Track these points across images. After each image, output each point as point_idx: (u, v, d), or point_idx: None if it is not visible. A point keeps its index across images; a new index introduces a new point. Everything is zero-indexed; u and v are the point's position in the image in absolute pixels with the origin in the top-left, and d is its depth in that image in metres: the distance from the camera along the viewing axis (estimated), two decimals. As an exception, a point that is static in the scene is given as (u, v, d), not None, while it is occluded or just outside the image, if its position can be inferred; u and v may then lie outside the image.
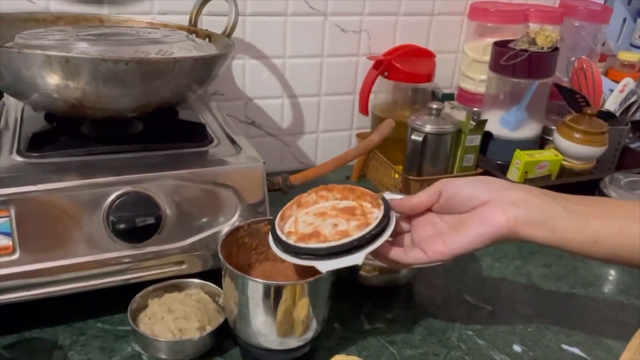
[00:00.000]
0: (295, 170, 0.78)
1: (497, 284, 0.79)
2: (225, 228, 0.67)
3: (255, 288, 0.56)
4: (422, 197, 0.62)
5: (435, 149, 0.94)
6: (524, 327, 0.70)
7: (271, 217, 0.62)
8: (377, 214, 0.61)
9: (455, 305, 0.74)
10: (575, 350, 0.67)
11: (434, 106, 0.94)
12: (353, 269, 0.73)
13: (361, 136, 1.11)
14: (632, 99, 1.06)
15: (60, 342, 0.63)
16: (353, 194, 0.64)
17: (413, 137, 0.93)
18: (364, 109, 1.02)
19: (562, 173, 0.98)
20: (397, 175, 0.98)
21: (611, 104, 1.07)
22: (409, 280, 0.77)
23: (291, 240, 0.56)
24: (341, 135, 1.12)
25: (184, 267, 0.67)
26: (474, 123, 0.96)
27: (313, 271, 0.56)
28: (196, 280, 0.68)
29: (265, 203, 0.70)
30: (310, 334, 0.59)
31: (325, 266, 0.55)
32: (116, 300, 0.65)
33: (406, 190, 0.96)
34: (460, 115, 0.99)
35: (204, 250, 0.68)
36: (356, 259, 0.56)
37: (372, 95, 1.05)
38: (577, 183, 0.96)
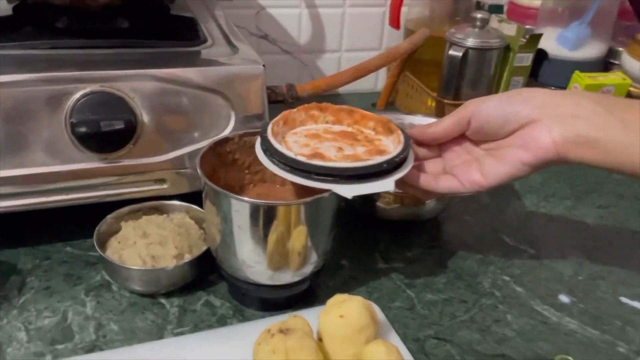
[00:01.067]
0: (316, 96, 0.66)
1: (543, 225, 0.66)
2: (215, 142, 0.56)
3: (240, 208, 0.45)
4: (446, 125, 0.50)
5: (477, 68, 0.80)
6: (573, 274, 0.58)
7: (266, 122, 0.50)
8: (388, 141, 0.49)
9: (491, 247, 0.62)
10: (637, 304, 0.54)
11: (479, 16, 0.78)
12: (369, 199, 0.61)
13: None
14: None
15: (19, 265, 0.54)
16: (350, 118, 0.53)
17: (451, 52, 0.79)
18: (395, 21, 0.87)
19: (628, 101, 0.82)
20: (433, 103, 0.84)
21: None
22: (436, 215, 0.65)
23: (301, 157, 0.45)
24: (368, 55, 0.97)
25: (165, 186, 0.57)
26: (524, 39, 0.81)
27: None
28: (181, 203, 0.58)
29: (264, 115, 0.58)
30: (308, 269, 0.49)
31: (349, 191, 0.44)
32: (92, 223, 0.55)
33: (440, 117, 0.82)
34: (510, 29, 0.83)
35: (189, 166, 0.57)
36: (387, 184, 0.45)
37: (405, 8, 0.90)
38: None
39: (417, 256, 0.59)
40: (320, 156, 0.47)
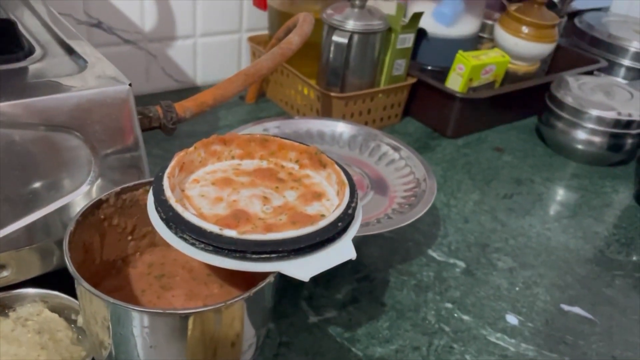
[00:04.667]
0: (171, 93, 0.51)
1: (461, 228, 0.61)
2: (74, 202, 0.40)
3: (146, 322, 0.31)
4: None
5: (361, 54, 0.71)
6: (509, 286, 0.54)
7: (159, 175, 0.35)
8: (319, 177, 0.39)
9: (421, 266, 0.55)
10: (578, 310, 0.52)
11: (357, -6, 0.69)
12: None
13: (255, 40, 0.83)
14: (569, -14, 0.90)
15: None
16: (264, 149, 0.41)
17: (335, 38, 0.69)
18: (261, 0, 0.74)
19: (505, 78, 0.81)
20: (311, 92, 0.74)
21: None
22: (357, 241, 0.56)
23: (228, 231, 0.31)
24: (228, 40, 0.83)
25: (5, 273, 0.39)
26: (405, 19, 0.74)
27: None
28: (33, 290, 0.41)
29: (139, 151, 0.43)
30: (243, 365, 0.37)
31: (306, 271, 0.32)
32: None
33: (326, 111, 0.72)
34: (389, 7, 0.76)
35: (40, 239, 0.40)
36: (348, 251, 0.34)
37: (268, -16, 0.77)
38: (523, 90, 0.80)
39: (349, 297, 0.50)
40: (245, 216, 0.35)
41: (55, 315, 0.40)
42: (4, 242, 0.38)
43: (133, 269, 0.40)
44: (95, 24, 0.71)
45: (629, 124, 0.72)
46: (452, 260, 0.56)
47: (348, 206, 0.35)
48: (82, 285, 0.30)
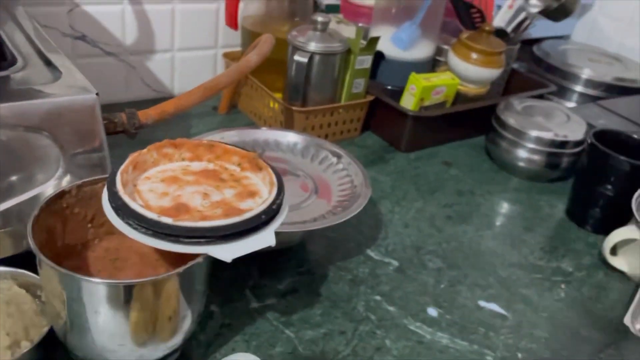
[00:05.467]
0: (149, 102, 0.58)
1: (400, 232, 0.68)
2: (44, 193, 0.46)
3: (96, 292, 0.37)
4: None
5: (322, 73, 0.78)
6: (435, 283, 0.60)
7: (114, 171, 0.42)
8: (256, 178, 0.45)
9: (359, 264, 0.61)
10: (494, 307, 0.58)
11: (319, 19, 0.76)
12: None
13: (229, 56, 0.90)
14: (521, 17, 0.98)
15: None
16: (210, 153, 0.47)
17: (297, 57, 0.76)
18: (232, 21, 0.81)
19: (456, 99, 0.88)
20: (276, 105, 0.81)
21: (500, 21, 0.98)
22: (302, 239, 0.63)
23: (165, 218, 0.38)
24: (204, 55, 0.90)
25: (-19, 253, 0.45)
26: (364, 42, 0.81)
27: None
28: (4, 269, 0.47)
29: (103, 152, 0.50)
30: (180, 338, 0.43)
31: (228, 253, 0.38)
32: None
33: (289, 123, 0.79)
34: (349, 31, 0.83)
35: (13, 224, 0.46)
36: (267, 239, 0.41)
37: (241, 4, 0.84)
38: (472, 110, 0.87)
39: (290, 287, 0.57)
40: (185, 208, 0.41)
41: (23, 291, 0.46)
42: (-20, 225, 0.44)
43: (92, 253, 0.46)
44: (80, 36, 0.78)
45: (564, 144, 0.79)
46: (387, 260, 0.63)
47: (273, 202, 0.42)
48: (41, 259, 0.37)
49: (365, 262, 0.62)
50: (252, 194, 0.44)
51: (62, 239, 0.44)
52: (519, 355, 0.53)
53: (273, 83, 0.83)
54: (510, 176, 0.84)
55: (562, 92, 1.07)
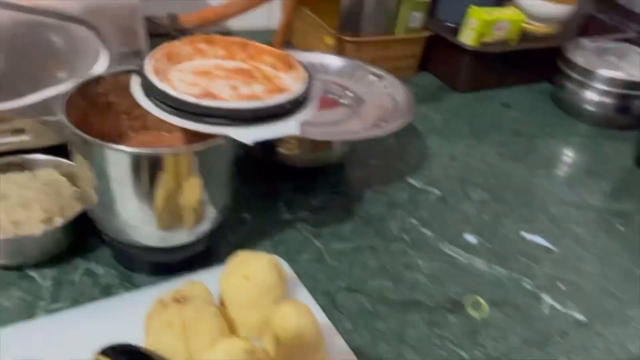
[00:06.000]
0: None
1: (446, 165, 0.65)
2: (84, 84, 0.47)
3: (118, 161, 0.38)
4: None
5: (376, 2, 0.76)
6: (477, 214, 0.58)
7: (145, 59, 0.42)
8: (289, 78, 0.44)
9: (397, 190, 0.59)
10: (538, 239, 0.55)
11: (377, -55, 0.73)
12: (269, 145, 0.56)
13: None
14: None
15: None
16: (244, 52, 0.47)
17: (350, -16, 0.73)
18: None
19: (523, 39, 0.83)
20: (329, 39, 0.79)
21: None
22: (341, 160, 0.62)
23: (188, 97, 0.38)
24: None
25: (25, 137, 0.48)
26: (424, -29, 0.77)
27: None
28: (48, 157, 0.49)
29: (144, 52, 0.50)
30: (206, 226, 0.43)
31: (249, 135, 0.38)
32: None
33: (340, 54, 0.77)
34: (409, -39, 0.79)
35: (54, 114, 0.48)
36: (291, 127, 0.40)
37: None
38: (539, 51, 0.82)
39: (323, 204, 0.56)
40: (212, 96, 0.41)
41: (64, 179, 0.48)
42: (25, 110, 0.46)
43: (126, 144, 0.47)
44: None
45: (637, 85, 0.73)
46: (429, 188, 0.60)
47: (299, 94, 0.41)
48: (73, 130, 0.38)
49: (405, 189, 0.60)
50: (282, 90, 0.43)
51: (98, 126, 0.45)
52: (560, 286, 0.49)
53: (327, 20, 0.81)
54: (577, 122, 0.78)
55: (645, 42, 0.97)
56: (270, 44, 0.88)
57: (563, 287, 0.49)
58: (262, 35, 0.87)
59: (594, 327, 0.46)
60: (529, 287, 0.49)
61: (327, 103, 0.61)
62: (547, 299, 0.48)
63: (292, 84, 0.44)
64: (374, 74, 0.63)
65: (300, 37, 0.87)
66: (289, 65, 0.45)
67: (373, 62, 0.79)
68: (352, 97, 0.62)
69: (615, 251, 0.55)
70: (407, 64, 0.83)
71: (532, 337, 0.44)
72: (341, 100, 0.61)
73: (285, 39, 0.88)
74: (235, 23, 0.90)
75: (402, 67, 0.83)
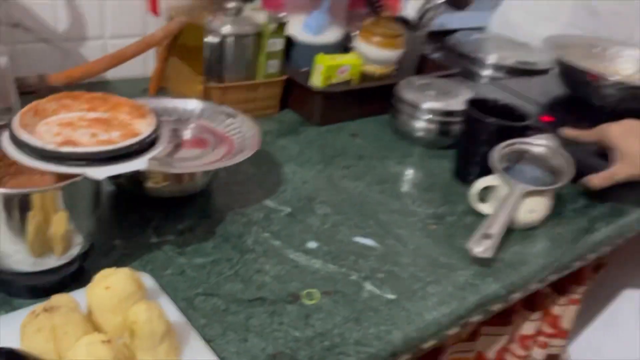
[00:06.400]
0: (82, 86, 0.66)
1: (298, 187, 0.77)
2: (-40, 137, 0.54)
3: (-9, 201, 0.45)
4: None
5: (235, 54, 0.88)
6: (320, 224, 0.70)
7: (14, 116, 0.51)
8: (142, 124, 0.54)
9: (255, 211, 0.70)
10: (367, 241, 0.68)
11: (231, 5, 0.86)
12: (138, 180, 0.65)
13: (160, 44, 0.99)
14: (428, 6, 1.09)
15: None
16: (105, 105, 0.56)
17: (208, 39, 0.85)
18: (153, 8, 0.90)
19: (364, 79, 0.98)
20: (198, 85, 0.90)
21: (411, 11, 1.09)
22: (204, 189, 0.72)
23: (50, 145, 0.47)
24: (134, 41, 0.99)
25: None
26: (274, 25, 0.91)
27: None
28: None
29: (15, 108, 0.58)
30: (74, 250, 0.51)
31: (101, 173, 0.47)
32: None
33: (208, 99, 0.88)
34: (261, 17, 0.93)
35: None
36: (139, 164, 0.49)
37: (167, -4, 0.93)
38: (379, 88, 0.97)
39: (189, 227, 0.65)
40: (73, 143, 0.50)
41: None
42: None
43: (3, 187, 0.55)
44: (15, 24, 0.86)
45: (451, 113, 0.90)
46: (281, 207, 0.72)
47: (146, 137, 0.51)
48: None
49: (261, 209, 0.71)
50: (135, 134, 0.53)
51: (-24, 173, 0.53)
52: (379, 275, 0.62)
53: (198, 68, 0.92)
54: (411, 146, 0.94)
55: (471, 76, 1.18)
56: (146, 90, 0.98)
57: (382, 276, 0.62)
58: (140, 82, 0.97)
59: (400, 303, 0.59)
60: (354, 278, 0.61)
61: (192, 142, 0.72)
62: (367, 286, 0.60)
63: (144, 129, 0.54)
64: (230, 115, 0.74)
65: (174, 84, 0.97)
66: (142, 114, 0.55)
67: (239, 103, 0.91)
68: (212, 135, 0.72)
69: (427, 245, 0.69)
70: (269, 104, 0.95)
71: (352, 315, 0.56)
72: (202, 138, 0.72)
73: (160, 85, 0.98)
74: (113, 73, 0.98)
75: (265, 107, 0.95)
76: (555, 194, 0.74)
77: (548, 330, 0.90)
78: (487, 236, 0.64)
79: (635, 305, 1.25)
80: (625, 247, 1.10)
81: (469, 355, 0.82)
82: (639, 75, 1.07)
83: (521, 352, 0.86)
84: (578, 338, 1.34)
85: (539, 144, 0.75)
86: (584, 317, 1.32)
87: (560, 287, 0.88)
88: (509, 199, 0.68)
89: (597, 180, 0.76)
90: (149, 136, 0.51)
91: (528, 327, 0.85)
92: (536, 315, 0.85)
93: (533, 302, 0.84)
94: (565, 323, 0.92)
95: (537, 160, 0.76)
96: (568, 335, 0.97)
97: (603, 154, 0.79)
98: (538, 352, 0.92)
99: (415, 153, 0.92)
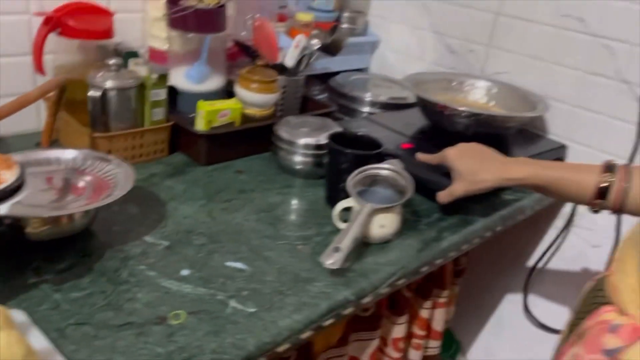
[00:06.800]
0: None
1: (179, 222, 0.84)
2: None
3: None
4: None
5: (119, 105, 0.95)
6: (195, 254, 0.77)
7: None
8: (9, 175, 0.61)
9: (133, 247, 0.77)
10: (238, 265, 0.76)
11: (112, 62, 0.94)
12: (18, 228, 0.70)
13: (49, 100, 1.05)
14: (304, 52, 1.20)
15: None
16: None
17: (90, 93, 0.92)
18: (38, 68, 0.97)
19: (247, 120, 1.08)
20: (86, 137, 0.96)
21: (290, 58, 1.20)
22: (85, 228, 0.77)
23: None
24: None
25: None
26: (155, 77, 0.99)
27: None
28: None
29: None
30: (-55, 293, 0.56)
31: None
32: None
33: (95, 148, 0.95)
34: (144, 71, 1.01)
35: None
36: (1, 208, 0.55)
37: (54, 56, 1.00)
38: (258, 128, 1.07)
39: (68, 266, 0.71)
40: (-59, 195, 0.55)
41: None
42: None
43: None
44: None
45: (322, 146, 1.00)
46: (159, 242, 0.79)
47: (8, 186, 0.57)
48: None
49: (140, 245, 0.77)
50: (1, 183, 0.59)
51: None
52: (244, 293, 0.70)
53: (83, 120, 0.98)
54: (292, 178, 1.03)
55: (351, 113, 1.30)
56: (39, 143, 1.03)
57: (246, 293, 0.70)
58: (33, 137, 1.02)
59: (259, 314, 0.66)
60: (221, 297, 0.69)
61: (74, 188, 0.78)
62: (232, 303, 0.68)
63: (9, 178, 0.60)
64: (106, 160, 0.81)
65: (64, 136, 1.03)
66: (8, 165, 0.62)
67: (126, 150, 0.98)
68: (89, 180, 0.79)
69: (292, 264, 0.77)
70: (157, 148, 1.03)
71: (213, 329, 0.63)
72: (79, 184, 0.78)
73: (52, 138, 1.04)
74: (6, 128, 1.03)
75: (154, 151, 1.02)
76: (402, 209, 0.85)
77: (420, 332, 1.00)
78: (336, 249, 0.74)
79: (518, 308, 1.38)
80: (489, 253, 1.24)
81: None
82: (490, 103, 1.23)
83: (395, 354, 0.95)
84: (475, 342, 1.46)
85: (386, 169, 0.87)
86: (477, 322, 1.44)
87: (426, 292, 0.98)
88: (358, 217, 0.78)
89: (442, 196, 0.88)
90: (12, 185, 0.57)
91: (398, 330, 0.94)
92: (403, 318, 0.94)
93: (399, 307, 0.94)
94: (436, 325, 1.03)
95: (387, 182, 0.87)
96: (442, 336, 1.08)
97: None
98: (415, 354, 1.01)
99: (295, 184, 1.01)
